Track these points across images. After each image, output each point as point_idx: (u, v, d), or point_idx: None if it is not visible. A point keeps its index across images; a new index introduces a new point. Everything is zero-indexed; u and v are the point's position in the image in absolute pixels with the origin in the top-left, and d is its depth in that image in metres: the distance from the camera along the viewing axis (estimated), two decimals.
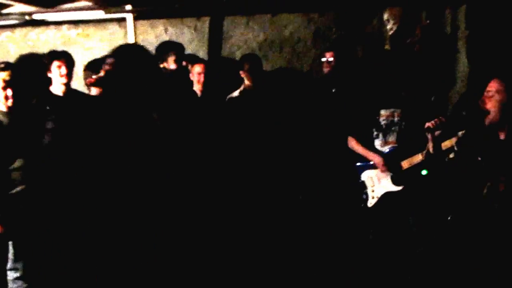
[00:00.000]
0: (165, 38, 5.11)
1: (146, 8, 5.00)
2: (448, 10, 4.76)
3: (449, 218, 2.91)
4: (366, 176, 3.82)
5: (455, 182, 2.85)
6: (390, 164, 3.68)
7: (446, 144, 2.99)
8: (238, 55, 5.07)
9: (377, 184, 3.76)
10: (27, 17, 5.03)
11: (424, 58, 4.68)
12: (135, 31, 4.88)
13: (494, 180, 2.65)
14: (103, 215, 3.67)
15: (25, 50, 5.13)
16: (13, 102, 3.37)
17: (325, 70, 4.58)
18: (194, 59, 4.61)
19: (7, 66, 3.43)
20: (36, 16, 5.04)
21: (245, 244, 4.17)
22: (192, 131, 4.08)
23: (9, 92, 3.35)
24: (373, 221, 3.80)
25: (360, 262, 3.83)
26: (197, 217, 3.94)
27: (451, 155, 2.90)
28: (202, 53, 5.13)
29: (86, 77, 4.41)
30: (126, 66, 4.02)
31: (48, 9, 4.95)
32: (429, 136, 2.87)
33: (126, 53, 4.43)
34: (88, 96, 4.29)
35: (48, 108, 3.85)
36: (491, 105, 2.70)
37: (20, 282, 3.48)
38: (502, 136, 2.74)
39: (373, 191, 3.78)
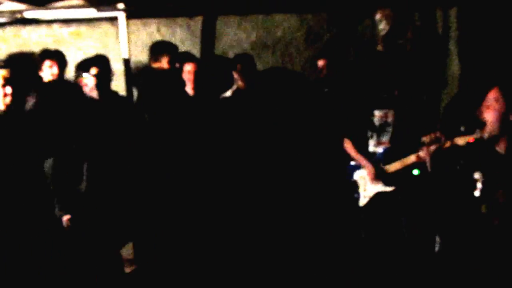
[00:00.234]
0: (158, 37, 5.09)
1: (139, 7, 4.97)
2: (439, 12, 4.81)
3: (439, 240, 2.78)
4: (358, 175, 3.84)
5: (450, 198, 2.68)
6: (381, 172, 3.70)
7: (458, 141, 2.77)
8: (230, 54, 5.07)
9: (369, 183, 3.78)
10: (18, 15, 4.98)
11: (416, 58, 4.71)
12: (127, 30, 4.85)
13: (494, 197, 2.51)
14: (97, 217, 3.65)
15: (16, 49, 5.08)
16: (12, 100, 3.34)
17: (318, 75, 4.61)
18: (186, 58, 4.59)
19: (6, 63, 3.40)
20: (27, 14, 4.99)
21: (236, 245, 4.17)
22: (184, 131, 4.08)
23: (8, 89, 3.32)
24: (364, 220, 3.82)
25: (352, 260, 3.85)
26: (189, 216, 3.94)
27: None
28: (195, 53, 5.09)
29: (77, 77, 4.39)
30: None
31: (40, 7, 4.91)
32: (425, 151, 2.76)
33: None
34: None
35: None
36: (490, 116, 2.56)
37: None
38: (501, 149, 2.60)
39: (365, 190, 3.80)
